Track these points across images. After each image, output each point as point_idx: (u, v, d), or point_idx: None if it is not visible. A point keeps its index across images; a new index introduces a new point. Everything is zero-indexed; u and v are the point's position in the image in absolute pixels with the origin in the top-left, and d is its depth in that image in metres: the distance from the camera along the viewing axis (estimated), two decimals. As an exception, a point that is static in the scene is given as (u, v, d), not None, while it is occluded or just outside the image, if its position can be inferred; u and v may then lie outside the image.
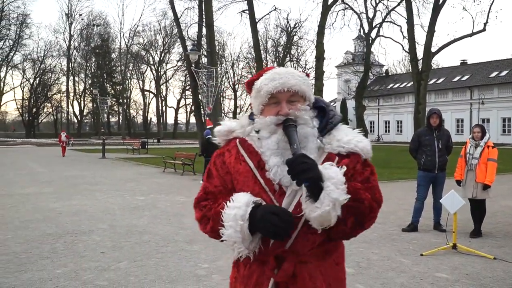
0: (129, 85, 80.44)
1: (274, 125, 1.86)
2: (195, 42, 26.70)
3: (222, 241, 1.84)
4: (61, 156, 30.26)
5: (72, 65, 77.07)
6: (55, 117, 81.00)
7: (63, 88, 77.68)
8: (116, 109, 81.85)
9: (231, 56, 72.61)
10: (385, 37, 44.60)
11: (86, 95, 77.76)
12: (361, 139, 1.93)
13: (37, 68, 73.80)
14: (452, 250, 6.39)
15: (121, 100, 77.17)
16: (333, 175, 1.71)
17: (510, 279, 5.29)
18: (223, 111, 55.41)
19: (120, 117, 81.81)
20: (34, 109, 75.90)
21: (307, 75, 2.00)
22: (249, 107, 2.10)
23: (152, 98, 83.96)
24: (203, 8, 27.58)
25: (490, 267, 5.71)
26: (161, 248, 6.67)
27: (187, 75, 51.36)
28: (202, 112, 26.32)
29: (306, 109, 1.90)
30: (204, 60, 30.75)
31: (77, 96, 78.68)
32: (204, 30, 28.27)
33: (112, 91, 79.40)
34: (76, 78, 78.43)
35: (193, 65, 21.49)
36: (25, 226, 8.20)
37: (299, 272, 1.82)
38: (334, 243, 1.91)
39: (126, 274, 5.45)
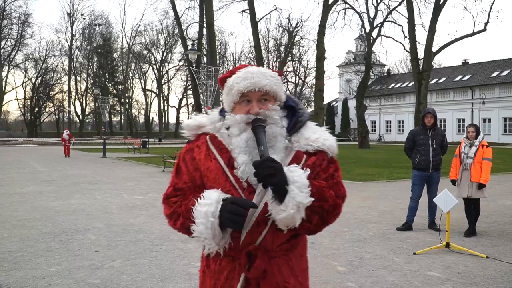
0: (131, 85, 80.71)
1: (244, 124, 1.90)
2: (196, 41, 26.74)
3: (192, 237, 1.87)
4: (63, 156, 29.27)
5: (74, 64, 77.32)
6: (57, 116, 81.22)
7: (65, 87, 78.03)
8: (118, 109, 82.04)
9: (233, 56, 72.65)
10: (386, 36, 44.87)
11: (88, 94, 77.92)
12: (328, 137, 2.00)
13: (39, 68, 74.03)
14: (445, 249, 6.41)
15: (123, 100, 77.29)
16: (298, 179, 1.76)
17: (501, 277, 5.31)
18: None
19: (122, 116, 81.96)
20: (36, 109, 76.03)
21: (280, 74, 2.04)
22: (221, 102, 2.13)
23: (154, 98, 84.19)
24: (204, 8, 27.64)
25: (482, 266, 5.73)
26: (155, 246, 6.70)
27: (189, 75, 51.39)
28: (203, 112, 26.35)
29: (276, 109, 1.94)
30: (205, 59, 30.80)
31: (79, 95, 78.95)
32: (204, 29, 28.31)
33: (114, 91, 79.55)
34: (78, 78, 78.77)
35: (194, 65, 21.53)
36: (21, 225, 8.24)
37: (268, 267, 1.88)
38: (300, 237, 2.00)
39: (119, 272, 5.48)
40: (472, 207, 7.56)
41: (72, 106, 79.51)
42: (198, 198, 1.84)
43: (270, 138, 1.88)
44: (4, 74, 70.17)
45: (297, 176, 1.77)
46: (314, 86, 37.80)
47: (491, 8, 33.42)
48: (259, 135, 1.83)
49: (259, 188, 1.82)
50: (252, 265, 1.85)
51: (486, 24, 33.54)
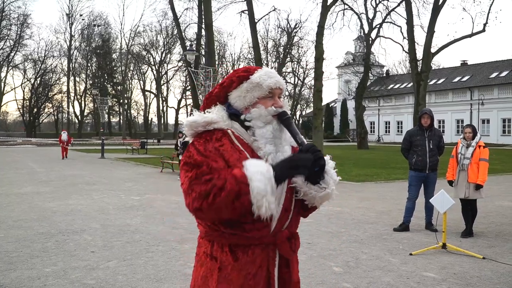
0: (130, 86, 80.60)
1: (270, 116, 2.05)
2: (194, 42, 26.73)
3: (240, 208, 1.84)
4: (60, 158, 28.12)
5: (73, 65, 77.16)
6: (56, 117, 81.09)
7: (64, 88, 77.81)
8: (117, 110, 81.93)
9: (232, 57, 72.65)
10: (385, 37, 44.46)
11: (87, 95, 77.77)
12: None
13: (38, 68, 73.86)
14: (442, 249, 6.41)
15: (121, 101, 77.21)
16: (329, 161, 2.07)
17: (497, 278, 5.30)
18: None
19: (121, 117, 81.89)
20: (35, 109, 75.94)
21: None
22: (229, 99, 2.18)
23: (153, 99, 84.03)
24: (203, 8, 27.62)
25: (478, 267, 5.73)
26: (151, 247, 6.69)
27: (188, 76, 51.39)
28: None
29: (286, 104, 2.17)
30: (204, 60, 30.78)
31: (78, 96, 78.77)
32: (203, 30, 28.30)
33: (113, 91, 79.47)
34: (77, 79, 78.52)
35: (192, 65, 21.52)
36: (18, 225, 8.22)
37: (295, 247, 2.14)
38: None
39: (114, 273, 5.47)
40: (469, 208, 7.56)
41: (71, 107, 79.46)
42: (247, 164, 1.87)
43: (282, 129, 2.08)
44: (3, 74, 70.17)
45: (328, 159, 2.07)
46: (313, 87, 37.78)
47: (490, 9, 33.40)
48: (292, 126, 2.05)
49: None
50: (290, 247, 2.06)
51: (485, 25, 33.56)
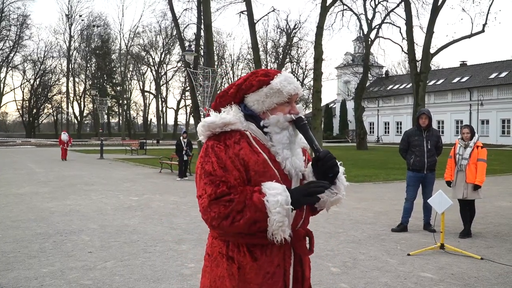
0: (129, 86, 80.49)
1: (287, 122, 2.09)
2: (193, 42, 26.72)
3: (257, 231, 1.91)
4: (60, 159, 27.43)
5: (72, 66, 77.08)
6: (55, 118, 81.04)
7: (63, 89, 77.73)
8: (116, 110, 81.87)
9: (231, 57, 72.64)
10: (384, 38, 44.45)
11: (86, 96, 77.70)
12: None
13: (37, 69, 73.78)
14: (440, 250, 6.40)
15: (121, 101, 77.16)
16: (340, 168, 2.13)
17: (495, 279, 5.30)
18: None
19: (120, 118, 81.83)
20: (35, 110, 75.89)
21: None
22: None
23: (152, 99, 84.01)
24: (202, 9, 27.60)
25: (476, 267, 5.72)
26: (149, 247, 6.68)
27: (187, 76, 51.39)
28: (201, 113, 26.34)
29: (301, 109, 2.22)
30: (203, 61, 30.76)
31: (77, 97, 78.72)
32: (202, 31, 28.28)
33: (112, 92, 79.43)
34: (76, 79, 78.46)
35: (192, 66, 21.50)
36: (16, 225, 8.21)
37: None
38: None
39: (111, 273, 5.46)
40: (467, 208, 7.55)
41: (70, 108, 79.40)
42: (266, 189, 1.91)
43: (296, 134, 2.13)
44: (2, 75, 70.08)
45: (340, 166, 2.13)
46: (312, 88, 37.78)
47: (489, 10, 33.42)
48: (308, 132, 2.09)
49: (295, 179, 2.08)
50: (307, 246, 2.13)
51: (484, 25, 33.56)
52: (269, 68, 54.52)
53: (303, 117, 2.11)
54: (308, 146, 2.20)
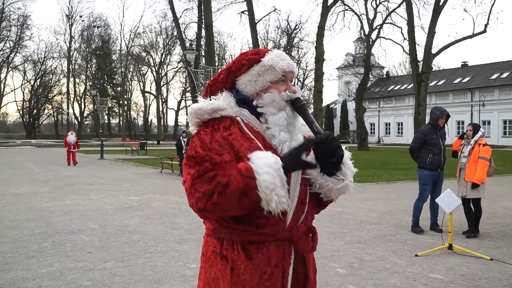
0: (130, 87, 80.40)
1: (283, 102, 1.91)
2: (194, 42, 26.59)
3: (249, 205, 1.72)
4: (65, 163, 23.42)
5: (73, 66, 77.00)
6: (55, 118, 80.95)
7: (64, 89, 77.66)
8: (117, 111, 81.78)
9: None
10: (386, 38, 44.30)
11: (87, 96, 77.58)
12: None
13: (38, 70, 73.73)
14: (448, 250, 6.24)
15: (121, 102, 77.04)
16: (346, 151, 1.92)
17: (507, 280, 5.14)
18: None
19: (121, 118, 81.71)
20: (35, 111, 75.79)
21: None
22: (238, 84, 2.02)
23: (152, 100, 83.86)
24: (203, 9, 27.51)
25: (486, 268, 5.57)
26: (150, 248, 6.52)
27: (187, 77, 51.24)
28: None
29: (299, 90, 2.02)
30: (204, 61, 30.66)
31: (78, 97, 78.62)
32: (203, 30, 28.18)
33: (113, 93, 79.31)
34: (77, 80, 78.36)
35: (192, 66, 21.38)
36: (14, 225, 8.06)
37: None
38: None
39: (111, 274, 5.30)
40: (470, 207, 7.40)
41: (70, 108, 79.29)
42: (252, 157, 1.73)
43: (295, 116, 1.95)
44: (2, 76, 69.90)
45: (344, 149, 1.91)
46: (313, 88, 37.67)
47: (491, 10, 33.34)
48: (307, 113, 1.91)
49: None
50: (310, 244, 1.90)
51: (486, 25, 33.47)
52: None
53: (301, 98, 1.95)
54: (311, 134, 1.96)
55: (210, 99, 1.93)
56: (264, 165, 1.68)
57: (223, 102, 1.90)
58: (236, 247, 1.83)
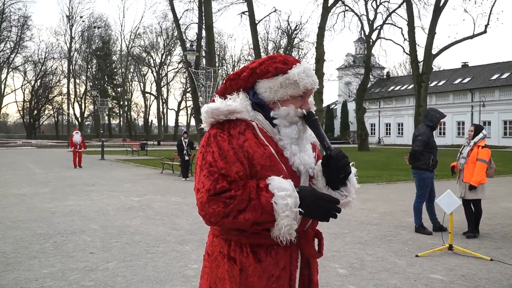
0: (130, 87, 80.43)
1: (297, 117, 1.95)
2: (195, 42, 26.61)
3: (259, 231, 1.82)
4: (69, 165, 22.62)
5: (73, 67, 76.96)
6: (56, 119, 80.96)
7: (64, 90, 77.65)
8: (117, 112, 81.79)
9: (232, 58, 72.53)
10: (386, 39, 44.33)
11: (87, 97, 77.60)
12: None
13: (38, 70, 73.74)
14: (448, 251, 6.27)
15: (122, 103, 77.06)
16: (352, 168, 1.98)
17: (507, 280, 5.17)
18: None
19: (121, 119, 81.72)
20: (35, 111, 75.82)
21: None
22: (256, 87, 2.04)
23: (153, 100, 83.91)
24: (203, 10, 27.53)
25: (487, 269, 5.59)
26: (151, 248, 6.55)
27: (188, 77, 51.30)
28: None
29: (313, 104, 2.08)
30: (204, 61, 30.68)
31: (78, 98, 78.62)
32: (203, 31, 28.20)
33: (113, 93, 79.33)
34: (77, 80, 78.33)
35: (193, 66, 21.38)
36: (16, 226, 8.09)
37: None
38: None
39: (113, 274, 5.33)
40: (471, 208, 7.43)
41: (71, 109, 79.30)
42: (274, 190, 1.77)
43: (306, 129, 2.00)
44: (3, 76, 69.89)
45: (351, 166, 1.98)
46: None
47: (491, 10, 33.35)
48: (319, 128, 1.96)
49: (303, 176, 1.94)
50: (316, 248, 1.96)
51: (486, 26, 33.45)
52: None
53: (313, 112, 1.99)
54: (318, 141, 2.05)
55: (225, 96, 1.96)
56: (286, 207, 1.73)
57: (240, 104, 1.91)
58: (245, 249, 1.86)
